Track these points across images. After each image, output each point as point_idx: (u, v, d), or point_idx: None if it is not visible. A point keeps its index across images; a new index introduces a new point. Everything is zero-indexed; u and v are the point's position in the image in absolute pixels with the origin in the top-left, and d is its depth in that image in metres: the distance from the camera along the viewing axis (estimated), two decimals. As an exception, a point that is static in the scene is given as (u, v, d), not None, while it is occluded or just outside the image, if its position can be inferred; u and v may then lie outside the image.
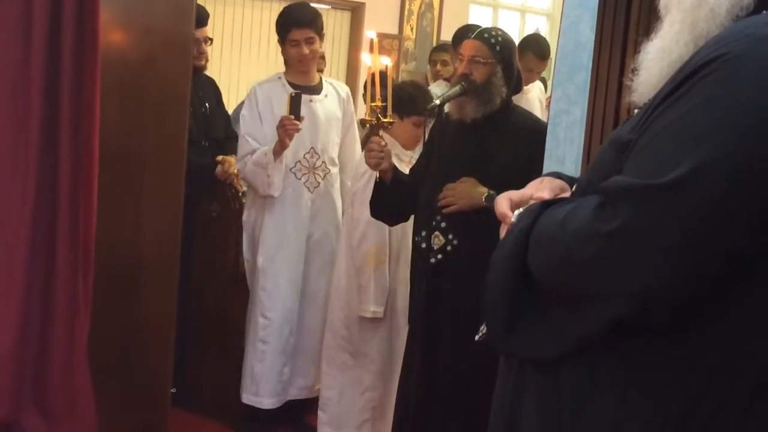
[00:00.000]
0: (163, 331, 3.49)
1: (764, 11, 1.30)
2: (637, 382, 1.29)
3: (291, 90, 3.77)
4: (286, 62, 3.95)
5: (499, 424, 1.49)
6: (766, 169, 1.18)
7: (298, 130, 3.64)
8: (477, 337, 1.56)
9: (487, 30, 3.28)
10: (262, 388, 3.88)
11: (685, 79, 1.25)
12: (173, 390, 3.75)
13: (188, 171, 3.48)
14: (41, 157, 2.85)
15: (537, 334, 1.40)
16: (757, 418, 1.26)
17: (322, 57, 4.82)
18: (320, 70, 4.67)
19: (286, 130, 3.61)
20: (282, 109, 3.72)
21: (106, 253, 3.12)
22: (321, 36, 3.88)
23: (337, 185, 4.01)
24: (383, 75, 3.24)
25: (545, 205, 1.43)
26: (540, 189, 1.52)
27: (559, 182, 1.56)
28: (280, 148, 3.68)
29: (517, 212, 1.48)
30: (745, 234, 1.20)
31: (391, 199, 3.36)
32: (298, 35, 3.77)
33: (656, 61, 1.39)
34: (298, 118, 3.63)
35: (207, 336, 4.13)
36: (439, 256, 3.13)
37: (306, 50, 3.79)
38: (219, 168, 4.12)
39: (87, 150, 2.91)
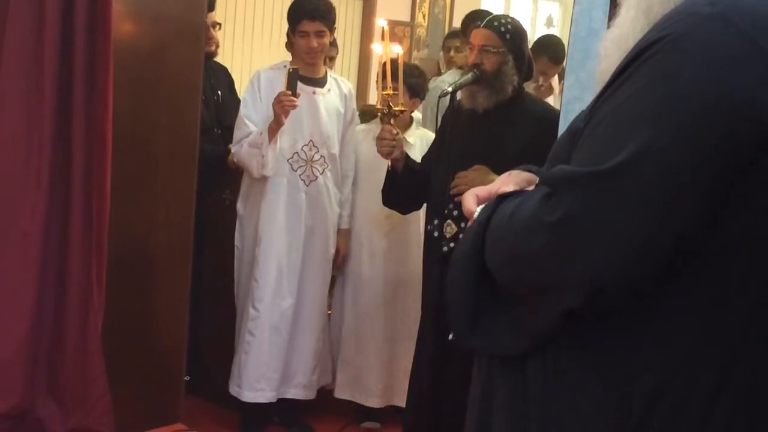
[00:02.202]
0: (177, 318, 3.51)
1: None
2: (600, 374, 1.27)
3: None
4: (293, 52, 3.92)
5: (472, 424, 1.48)
6: (708, 150, 1.15)
7: (294, 106, 3.53)
8: (450, 337, 1.56)
9: (497, 18, 3.25)
10: (243, 380, 3.80)
11: (629, 63, 1.24)
12: (187, 378, 3.76)
13: (201, 159, 3.48)
14: (55, 148, 2.87)
15: (499, 330, 1.39)
16: (721, 407, 1.24)
17: (334, 44, 4.76)
18: (332, 58, 4.63)
19: (282, 106, 3.50)
20: None
21: (120, 241, 3.14)
22: (332, 30, 3.80)
23: (336, 182, 3.92)
24: (394, 64, 3.23)
25: (501, 198, 1.42)
26: (506, 183, 1.49)
27: (526, 175, 1.53)
28: (275, 126, 3.57)
29: (479, 208, 1.46)
30: (692, 216, 1.18)
31: (402, 187, 3.36)
32: (309, 27, 3.69)
33: (614, 49, 1.37)
34: (295, 94, 3.52)
35: (220, 324, 4.13)
36: (452, 245, 3.13)
37: (315, 43, 3.71)
38: (231, 156, 4.11)
39: (100, 139, 2.92)
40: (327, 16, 3.74)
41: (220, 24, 4.42)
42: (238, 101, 4.51)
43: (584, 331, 1.28)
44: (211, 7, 4.20)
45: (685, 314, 1.24)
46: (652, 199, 1.17)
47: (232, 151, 3.82)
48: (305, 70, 3.75)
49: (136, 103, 3.22)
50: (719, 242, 1.21)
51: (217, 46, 4.35)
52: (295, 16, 3.75)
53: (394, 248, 3.95)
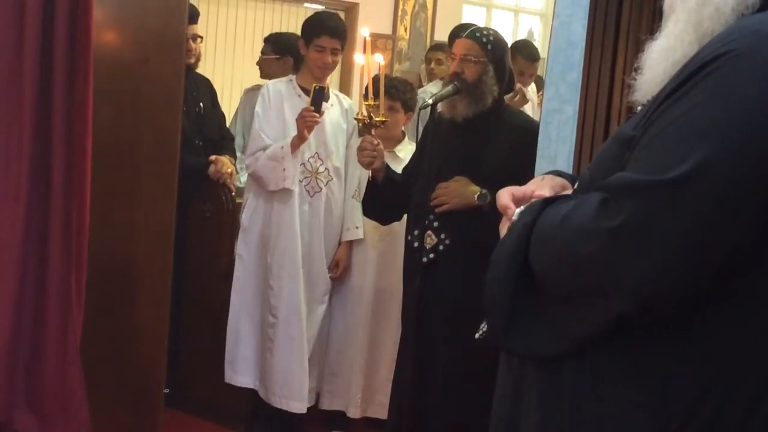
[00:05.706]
0: (157, 330, 3.48)
1: None
2: (640, 381, 1.28)
3: (300, 93, 3.81)
4: (298, 66, 3.99)
5: (499, 423, 1.48)
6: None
7: (317, 122, 3.63)
8: (477, 335, 1.55)
9: (480, 29, 3.29)
10: (268, 384, 3.84)
11: (690, 76, 1.25)
12: (166, 390, 3.74)
13: (180, 170, 3.48)
14: (34, 157, 2.85)
15: (538, 331, 1.39)
16: (760, 416, 1.26)
17: None
18: None
19: (305, 122, 3.59)
20: (290, 111, 3.74)
21: (100, 252, 3.12)
22: (342, 51, 3.91)
23: (338, 196, 3.97)
24: (377, 75, 3.25)
25: (547, 202, 1.42)
26: (541, 187, 1.51)
27: (560, 180, 1.55)
28: (298, 141, 3.67)
29: (518, 210, 1.46)
30: (749, 230, 1.20)
31: (383, 197, 3.37)
32: (328, 43, 3.79)
33: (660, 60, 1.38)
34: (319, 111, 3.62)
35: (200, 336, 4.12)
36: (432, 256, 3.14)
37: (329, 59, 3.81)
38: (212, 167, 4.11)
39: (80, 149, 2.91)
40: (344, 36, 3.86)
41: (201, 37, 4.42)
42: (220, 113, 4.54)
43: (625, 337, 1.29)
44: (193, 20, 4.20)
45: (727, 325, 1.25)
46: (712, 211, 1.18)
47: (245, 162, 3.90)
48: (311, 83, 3.80)
49: (117, 113, 3.21)
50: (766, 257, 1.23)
51: (198, 59, 4.36)
52: (314, 30, 3.84)
53: (383, 259, 3.96)
